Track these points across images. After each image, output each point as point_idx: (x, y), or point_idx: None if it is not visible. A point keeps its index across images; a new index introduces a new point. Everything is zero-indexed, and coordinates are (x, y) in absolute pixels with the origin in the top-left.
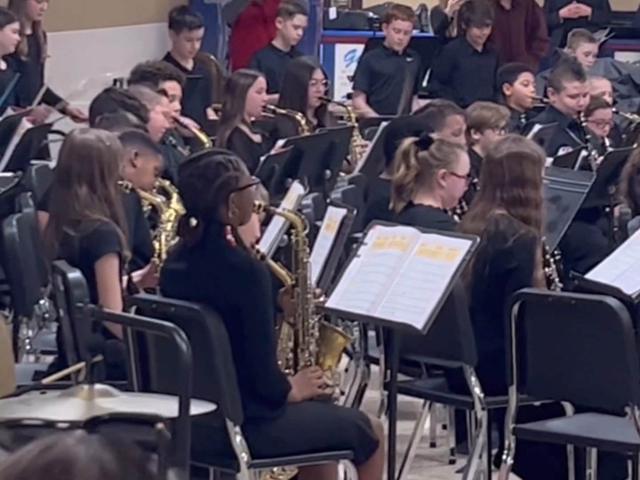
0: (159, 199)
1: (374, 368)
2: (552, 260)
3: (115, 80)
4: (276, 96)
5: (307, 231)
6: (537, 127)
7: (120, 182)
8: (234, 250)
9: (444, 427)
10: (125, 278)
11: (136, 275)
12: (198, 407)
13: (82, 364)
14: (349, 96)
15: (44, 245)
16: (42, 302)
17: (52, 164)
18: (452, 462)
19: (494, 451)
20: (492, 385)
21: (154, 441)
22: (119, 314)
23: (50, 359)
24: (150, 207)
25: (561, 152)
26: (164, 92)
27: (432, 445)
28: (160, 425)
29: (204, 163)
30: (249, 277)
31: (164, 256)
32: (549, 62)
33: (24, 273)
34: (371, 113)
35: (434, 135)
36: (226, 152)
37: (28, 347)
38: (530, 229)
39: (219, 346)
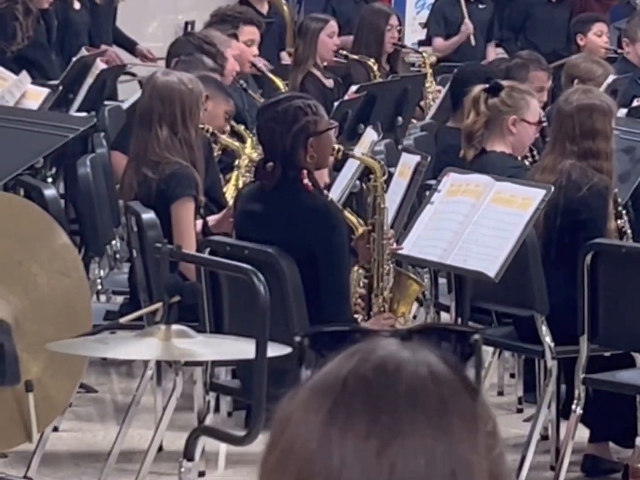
0: (238, 144)
1: (443, 315)
2: (624, 211)
3: (186, 23)
4: (350, 37)
5: (385, 177)
6: (611, 78)
7: (200, 126)
8: (312, 195)
9: (512, 375)
10: (200, 222)
11: (211, 219)
12: (274, 350)
13: (159, 304)
14: (420, 43)
15: (122, 185)
16: (114, 242)
17: (125, 104)
18: (519, 410)
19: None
20: (562, 335)
21: (468, 352)
22: (198, 255)
23: (121, 299)
24: (220, 151)
25: (635, 103)
26: (234, 36)
27: (500, 393)
28: (477, 336)
29: (283, 107)
30: (326, 221)
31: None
32: (619, 13)
33: (96, 213)
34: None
35: (504, 82)
36: (305, 96)
37: (99, 287)
38: (603, 177)
39: (293, 290)
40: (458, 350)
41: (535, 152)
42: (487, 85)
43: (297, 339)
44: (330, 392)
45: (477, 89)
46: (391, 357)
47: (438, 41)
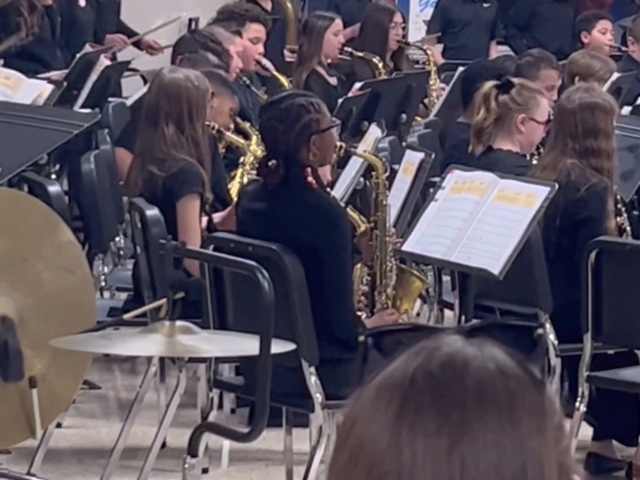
0: (243, 141)
1: (447, 313)
2: (623, 209)
3: (190, 20)
4: (354, 28)
5: (387, 174)
6: (615, 75)
7: (206, 123)
8: (315, 192)
9: None
10: (205, 219)
11: (216, 216)
12: (278, 347)
13: (163, 301)
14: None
15: (127, 182)
16: (117, 239)
17: (129, 101)
18: None
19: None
20: (565, 333)
21: (531, 346)
22: (202, 251)
23: (124, 295)
24: (224, 148)
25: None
26: (238, 33)
27: None
28: (540, 331)
29: (286, 105)
30: (329, 219)
31: None
32: (623, 11)
33: (100, 209)
34: (440, 60)
35: (515, 80)
36: (307, 94)
37: (103, 283)
38: (602, 178)
39: (297, 287)
40: (521, 345)
41: (542, 150)
42: (498, 82)
43: (361, 338)
44: (398, 389)
45: (488, 85)
46: (458, 353)
47: (432, 42)
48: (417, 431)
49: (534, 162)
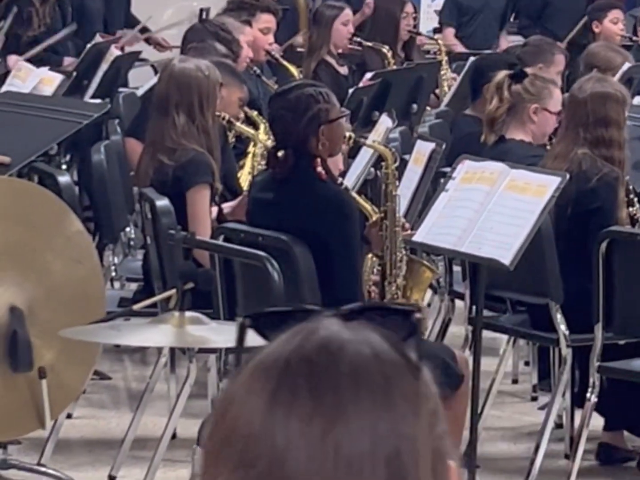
0: (253, 132)
1: (458, 303)
2: (635, 199)
3: (201, 10)
4: (365, 10)
5: (397, 164)
6: (626, 65)
7: (217, 113)
8: (324, 183)
9: (526, 363)
10: (215, 209)
11: (226, 206)
12: None
13: (173, 291)
14: (434, 31)
15: (137, 172)
16: (127, 229)
17: (140, 91)
18: (534, 399)
19: (576, 389)
20: (576, 323)
21: (410, 330)
22: (212, 241)
23: (135, 286)
24: (234, 138)
25: None
26: (248, 23)
27: (514, 381)
28: (418, 315)
29: (295, 95)
30: (338, 210)
31: None
32: (634, 1)
33: (110, 200)
34: (459, 47)
35: (528, 70)
36: (316, 84)
37: (113, 274)
38: (613, 168)
39: (306, 277)
40: (400, 329)
41: (554, 141)
42: (511, 72)
43: (239, 320)
44: (273, 372)
45: (502, 74)
46: (334, 337)
47: (448, 31)
48: (291, 415)
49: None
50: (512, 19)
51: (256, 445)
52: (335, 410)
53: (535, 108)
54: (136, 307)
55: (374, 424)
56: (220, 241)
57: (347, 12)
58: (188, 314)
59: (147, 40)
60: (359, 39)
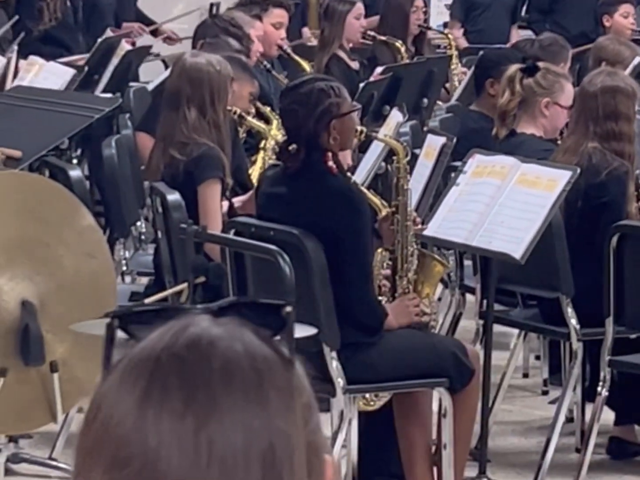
0: (264, 126)
1: (468, 297)
2: None
3: (211, 5)
4: (376, 18)
5: (408, 158)
6: (637, 59)
7: (228, 108)
8: (335, 177)
9: (537, 358)
10: (226, 204)
11: (237, 201)
12: (300, 331)
13: (184, 285)
14: (445, 25)
15: (148, 166)
16: (138, 223)
17: (151, 85)
18: (544, 393)
19: (587, 383)
20: (587, 317)
21: (280, 324)
22: (223, 235)
23: (146, 280)
24: (245, 133)
25: None
26: (258, 17)
27: (525, 375)
28: (288, 309)
29: (306, 90)
30: (349, 203)
31: None
32: None
33: (121, 194)
34: (464, 44)
35: (540, 64)
36: (328, 78)
37: (124, 268)
38: (623, 162)
39: (318, 271)
40: (271, 324)
41: (564, 135)
42: (523, 65)
43: (107, 319)
44: (144, 370)
45: (513, 68)
46: (204, 333)
47: (453, 30)
48: (163, 413)
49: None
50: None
51: (128, 445)
52: (207, 407)
53: (546, 102)
54: (148, 301)
55: (247, 420)
56: (231, 235)
57: (359, 6)
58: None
59: (155, 34)
60: (372, 33)
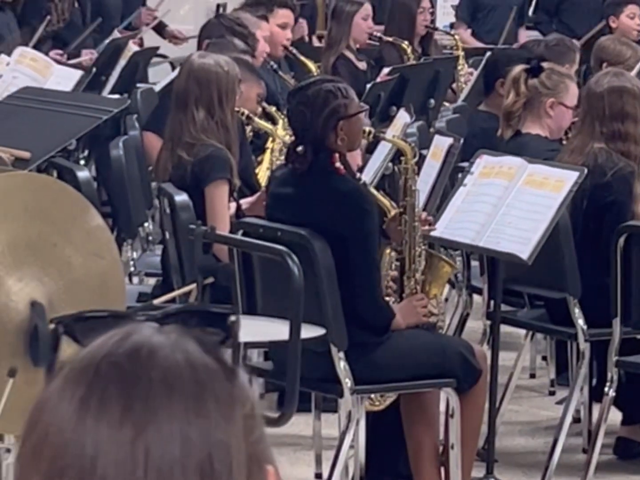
0: (271, 127)
1: (475, 298)
2: None
3: (218, 5)
4: (381, 27)
5: (416, 159)
6: None
7: (235, 109)
8: (343, 178)
9: (544, 358)
10: (233, 205)
11: (245, 202)
12: (308, 332)
13: (193, 286)
14: (451, 26)
15: (156, 167)
16: (146, 224)
17: (158, 87)
18: (551, 393)
19: (594, 384)
20: (594, 317)
21: (225, 333)
22: (232, 236)
23: (153, 280)
24: (252, 133)
25: None
26: (264, 18)
27: (532, 376)
28: (233, 318)
29: (313, 91)
30: (356, 205)
31: None
32: None
33: (129, 195)
34: (473, 43)
35: (545, 64)
36: (335, 79)
37: (132, 268)
38: (629, 162)
39: (325, 271)
40: (216, 333)
41: (570, 135)
42: (527, 66)
43: (52, 325)
44: (84, 378)
45: (518, 68)
46: (145, 342)
47: (460, 31)
48: (100, 422)
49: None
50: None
51: (66, 454)
52: (145, 416)
53: (551, 102)
54: (156, 301)
55: (185, 430)
56: (239, 236)
57: (367, 6)
58: None
59: (161, 33)
60: (379, 34)
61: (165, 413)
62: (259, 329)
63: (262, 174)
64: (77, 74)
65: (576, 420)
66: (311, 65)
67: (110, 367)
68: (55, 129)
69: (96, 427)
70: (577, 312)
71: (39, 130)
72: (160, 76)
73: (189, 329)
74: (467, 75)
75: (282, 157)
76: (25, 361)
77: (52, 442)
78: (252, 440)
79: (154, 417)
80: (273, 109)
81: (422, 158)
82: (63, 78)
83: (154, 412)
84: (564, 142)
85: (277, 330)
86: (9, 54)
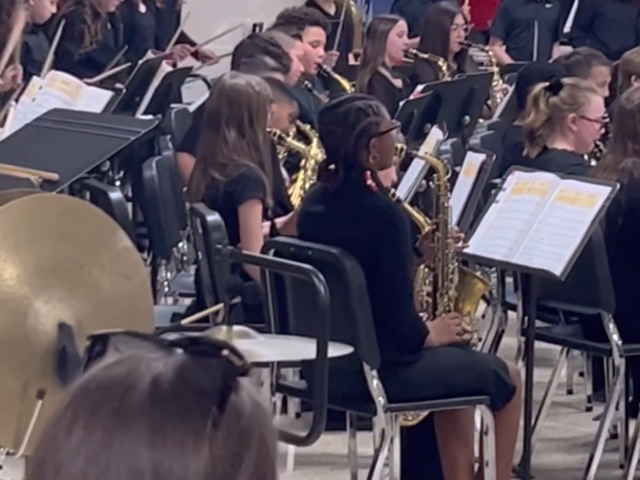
0: (303, 146)
1: (510, 314)
2: None
3: (254, 25)
4: (416, 40)
5: (448, 175)
6: None
7: (267, 129)
8: (375, 195)
9: (581, 374)
10: (267, 224)
11: (279, 221)
12: (336, 350)
13: (220, 305)
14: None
15: (189, 187)
16: (180, 244)
17: (192, 107)
18: (588, 409)
19: (630, 399)
20: (629, 332)
21: (219, 366)
22: (257, 255)
23: (188, 301)
24: (286, 153)
25: None
26: (298, 37)
27: (569, 392)
28: (226, 352)
29: (344, 109)
30: (389, 222)
31: None
32: None
33: (162, 216)
34: (507, 60)
35: (565, 80)
36: (366, 97)
37: (166, 289)
38: None
39: (357, 290)
40: (214, 366)
41: (602, 147)
42: (547, 84)
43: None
44: (66, 399)
45: (538, 87)
46: (132, 369)
47: (494, 47)
48: (68, 440)
49: (593, 162)
50: (567, 29)
51: (41, 465)
52: (101, 446)
53: (573, 117)
54: (185, 321)
55: (134, 463)
56: (270, 255)
57: (402, 23)
58: (236, 328)
59: (196, 55)
60: (414, 51)
61: (119, 445)
62: (287, 349)
63: (296, 192)
64: (107, 95)
65: (613, 436)
66: (345, 83)
67: (94, 391)
68: (83, 150)
69: (64, 445)
70: (611, 327)
71: (67, 152)
72: (194, 94)
73: (189, 358)
74: (502, 92)
75: (315, 177)
76: (54, 383)
77: (47, 459)
78: (243, 467)
79: (108, 447)
80: (307, 127)
81: (456, 175)
82: (92, 99)
83: (110, 443)
84: (596, 153)
85: (305, 349)
86: (42, 76)
